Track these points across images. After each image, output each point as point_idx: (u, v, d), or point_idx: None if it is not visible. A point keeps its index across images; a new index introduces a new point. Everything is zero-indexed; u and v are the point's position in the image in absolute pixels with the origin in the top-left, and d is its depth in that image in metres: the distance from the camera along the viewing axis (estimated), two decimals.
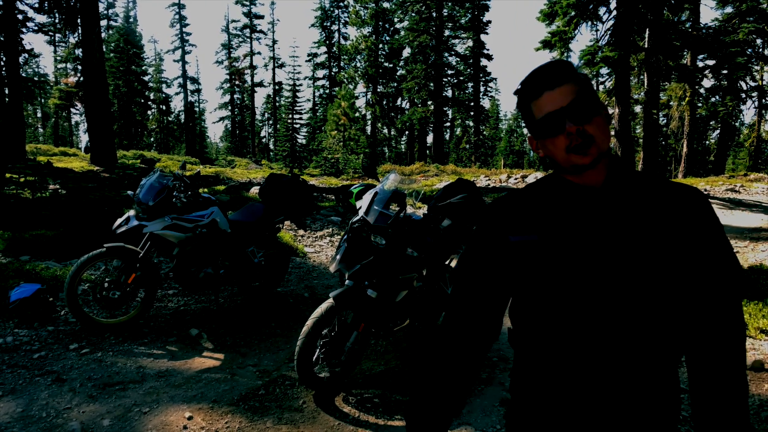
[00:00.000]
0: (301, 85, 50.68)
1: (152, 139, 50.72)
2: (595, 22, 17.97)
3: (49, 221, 7.09)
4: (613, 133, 17.68)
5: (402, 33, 39.36)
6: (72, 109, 42.66)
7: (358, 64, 39.81)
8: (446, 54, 39.67)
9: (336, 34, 49.86)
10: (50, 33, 18.88)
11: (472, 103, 42.04)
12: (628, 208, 1.15)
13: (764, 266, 6.32)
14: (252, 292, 5.38)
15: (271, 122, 55.86)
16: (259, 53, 53.36)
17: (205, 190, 11.42)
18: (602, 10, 17.57)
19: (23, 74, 16.41)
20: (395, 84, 40.83)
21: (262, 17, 51.90)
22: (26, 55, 16.46)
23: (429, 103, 38.89)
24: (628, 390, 1.14)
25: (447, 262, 4.44)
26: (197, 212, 4.69)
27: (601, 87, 29.99)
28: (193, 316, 4.89)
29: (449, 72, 41.13)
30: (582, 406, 1.17)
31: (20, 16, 15.30)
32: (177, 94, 52.16)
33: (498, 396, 3.52)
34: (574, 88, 1.13)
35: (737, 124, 34.00)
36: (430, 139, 43.24)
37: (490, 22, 40.78)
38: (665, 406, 1.17)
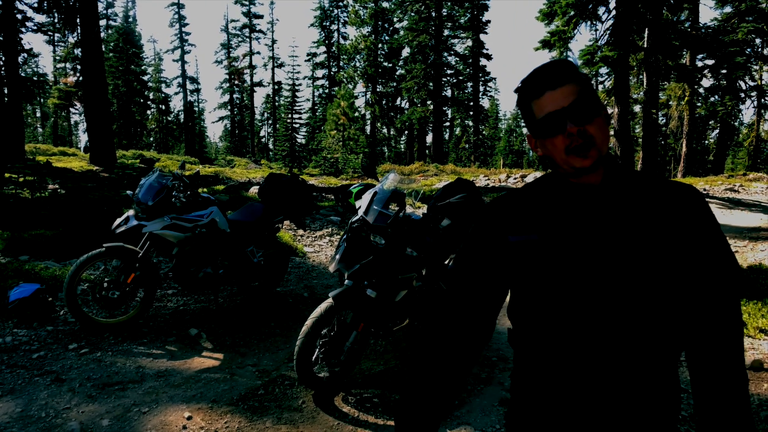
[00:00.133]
0: (300, 84, 50.62)
1: (151, 139, 50.70)
2: (594, 22, 17.98)
3: (48, 221, 7.09)
4: (612, 132, 17.68)
5: (401, 33, 39.35)
6: (71, 109, 42.65)
7: (358, 64, 39.81)
8: (445, 54, 39.68)
9: (335, 34, 49.89)
10: (49, 33, 18.89)
11: (471, 103, 42.06)
12: (626, 206, 1.15)
13: (763, 266, 6.33)
14: (251, 292, 5.38)
15: (270, 122, 55.87)
16: (258, 53, 53.50)
17: (205, 189, 11.41)
18: (601, 10, 17.58)
19: (22, 74, 16.39)
20: (394, 84, 40.83)
21: (261, 17, 51.91)
22: (25, 55, 16.45)
23: (428, 102, 38.88)
24: (627, 389, 1.14)
25: (446, 262, 4.45)
26: (196, 212, 4.69)
27: (600, 86, 29.99)
28: (192, 316, 4.89)
29: (448, 72, 41.15)
30: (581, 406, 1.17)
31: (19, 16, 15.30)
32: (176, 93, 52.17)
33: (497, 396, 3.52)
34: (576, 89, 1.13)
35: (736, 123, 34.00)
36: (429, 138, 43.26)
37: (489, 21, 40.83)
38: (664, 405, 1.17)
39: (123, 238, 4.43)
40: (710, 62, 25.18)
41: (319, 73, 52.00)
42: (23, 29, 15.49)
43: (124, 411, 3.16)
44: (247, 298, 5.44)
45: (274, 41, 53.27)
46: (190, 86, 51.85)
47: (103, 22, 43.79)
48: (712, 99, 29.00)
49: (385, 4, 38.79)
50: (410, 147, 44.24)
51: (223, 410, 3.23)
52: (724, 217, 11.53)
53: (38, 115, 53.82)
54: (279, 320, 4.92)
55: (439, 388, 1.26)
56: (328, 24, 49.59)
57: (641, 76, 21.20)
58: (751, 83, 29.17)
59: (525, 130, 1.28)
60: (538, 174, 20.76)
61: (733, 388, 1.11)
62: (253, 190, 12.11)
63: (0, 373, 3.53)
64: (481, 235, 1.29)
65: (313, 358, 3.34)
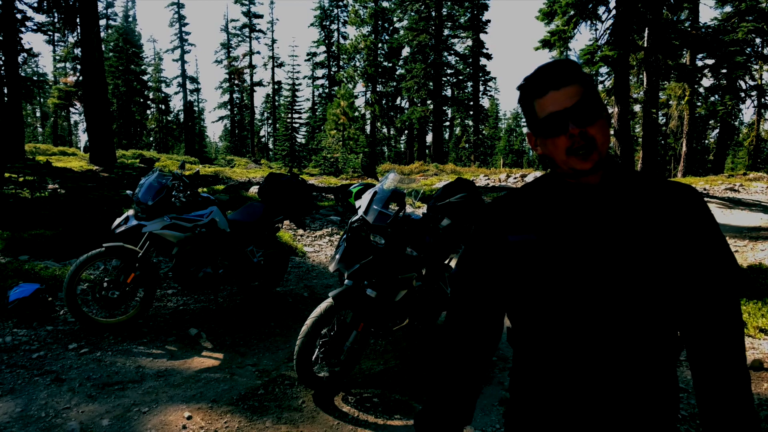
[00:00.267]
0: (300, 84, 50.62)
1: (151, 139, 50.68)
2: (594, 22, 17.99)
3: (48, 221, 7.08)
4: (612, 132, 17.69)
5: (401, 32, 39.35)
6: (71, 109, 42.65)
7: (358, 64, 39.81)
8: (445, 53, 39.67)
9: (335, 34, 49.88)
10: (49, 32, 18.89)
11: (471, 103, 42.06)
12: (624, 207, 1.15)
13: (763, 265, 6.33)
14: (251, 292, 5.38)
15: (270, 122, 55.86)
16: (258, 53, 53.49)
17: (204, 189, 11.41)
18: (601, 10, 17.59)
19: (22, 74, 16.38)
20: (394, 83, 40.84)
21: (261, 17, 51.90)
22: (25, 55, 16.44)
23: (428, 102, 38.88)
24: (625, 388, 1.14)
25: (446, 262, 4.44)
26: (196, 212, 4.69)
27: (600, 86, 29.96)
28: (192, 316, 4.89)
29: (448, 71, 41.15)
30: (580, 405, 1.17)
31: (19, 16, 15.30)
32: (176, 93, 52.14)
33: (497, 395, 3.52)
34: (580, 90, 1.13)
35: (736, 123, 33.97)
36: (429, 138, 43.26)
37: (489, 21, 40.85)
38: (662, 404, 1.17)
39: (123, 238, 4.43)
40: (710, 62, 25.21)
41: (319, 72, 52.07)
42: (23, 29, 15.50)
43: (124, 411, 3.16)
44: (247, 298, 5.43)
45: (274, 41, 53.32)
46: (189, 86, 51.86)
47: (102, 22, 43.77)
48: (712, 98, 28.99)
49: (385, 4, 38.81)
50: (410, 147, 44.24)
51: (223, 410, 3.23)
52: (724, 216, 11.53)
53: (38, 114, 53.82)
54: (279, 320, 4.92)
55: (457, 391, 1.27)
56: (328, 23, 49.59)
57: (641, 76, 21.20)
58: (751, 83, 29.18)
59: (525, 129, 1.28)
60: (538, 173, 20.76)
61: (735, 387, 1.11)
62: (253, 189, 12.11)
63: (0, 373, 3.53)
64: (482, 236, 1.30)
65: (313, 357, 3.34)
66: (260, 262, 5.21)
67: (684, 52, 24.45)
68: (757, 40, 27.68)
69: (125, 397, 3.34)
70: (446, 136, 46.81)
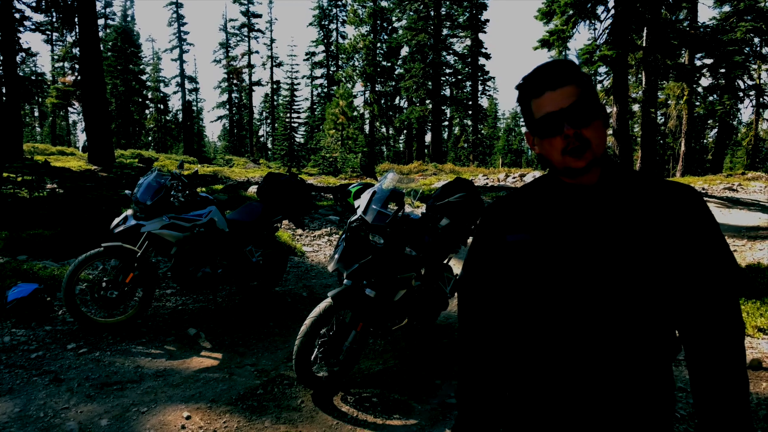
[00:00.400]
0: (299, 84, 50.64)
1: (150, 139, 50.66)
2: (593, 21, 18.00)
3: (46, 221, 7.08)
4: (611, 131, 17.71)
5: (400, 32, 39.35)
6: (69, 108, 42.58)
7: (356, 63, 39.82)
8: (444, 53, 39.68)
9: (334, 33, 49.87)
10: (47, 32, 18.86)
11: (470, 102, 42.08)
12: (620, 207, 1.15)
13: (762, 265, 6.33)
14: (250, 292, 5.38)
15: (269, 121, 55.83)
16: (257, 52, 53.46)
17: (203, 189, 11.40)
18: (600, 9, 17.60)
19: (20, 73, 16.38)
20: (393, 83, 40.85)
21: (260, 16, 51.89)
22: (23, 54, 16.44)
23: (427, 102, 38.89)
24: (620, 387, 1.14)
25: (445, 262, 4.45)
26: (195, 211, 4.68)
27: (599, 86, 29.97)
28: (191, 316, 4.89)
29: (447, 71, 41.16)
30: (576, 404, 1.17)
31: (17, 15, 15.28)
32: (175, 93, 52.22)
33: None
34: (577, 90, 1.13)
35: (735, 122, 34.05)
36: (428, 138, 43.28)
37: (488, 21, 40.87)
38: (659, 404, 1.17)
39: (121, 238, 4.42)
40: (709, 61, 25.20)
41: (318, 72, 52.05)
42: (21, 28, 15.48)
43: (123, 411, 3.16)
44: (246, 298, 5.43)
45: (272, 40, 53.28)
46: (188, 85, 51.92)
47: (101, 21, 43.73)
48: (710, 98, 29.00)
49: (384, 3, 38.81)
50: (409, 146, 44.25)
51: (222, 410, 3.22)
52: (723, 216, 11.54)
53: (36, 114, 53.69)
54: (278, 320, 4.92)
55: (484, 394, 1.28)
56: (326, 23, 49.57)
57: (640, 75, 21.21)
58: (750, 82, 29.20)
59: (524, 129, 1.28)
60: (537, 173, 20.77)
61: (732, 391, 1.10)
62: (252, 189, 12.10)
63: None
64: (483, 236, 1.32)
65: (312, 357, 3.34)
66: (259, 262, 5.20)
67: (683, 52, 24.46)
68: (756, 40, 27.71)
69: (124, 397, 3.33)
70: (445, 135, 46.82)
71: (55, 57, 44.08)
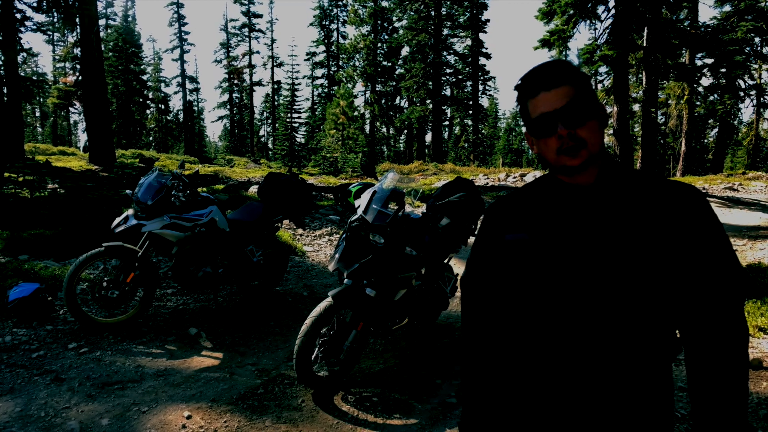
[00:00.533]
0: (299, 84, 50.55)
1: (151, 139, 50.66)
2: (593, 21, 18.00)
3: (47, 220, 7.08)
4: (611, 131, 17.70)
5: (401, 32, 39.35)
6: (71, 109, 42.64)
7: (357, 63, 39.81)
8: (445, 53, 39.66)
9: (335, 33, 49.83)
10: (49, 32, 18.88)
11: (470, 102, 42.05)
12: (618, 206, 1.15)
13: (763, 264, 6.33)
14: (251, 291, 5.38)
15: (269, 121, 55.82)
16: (257, 52, 53.41)
17: (204, 189, 11.41)
18: (601, 9, 17.59)
19: (22, 73, 16.39)
20: (394, 83, 40.83)
21: (260, 16, 51.86)
22: (25, 54, 16.46)
23: (428, 101, 38.87)
24: (620, 388, 1.14)
25: (446, 261, 4.45)
26: (196, 211, 4.69)
27: (599, 85, 29.97)
28: (191, 315, 4.89)
29: (448, 71, 41.14)
30: (574, 404, 1.17)
31: (19, 15, 15.26)
32: (176, 93, 52.15)
33: None
34: (571, 91, 1.13)
35: (736, 122, 34.01)
36: (428, 137, 43.26)
37: (488, 20, 40.82)
38: (658, 404, 1.16)
39: (122, 238, 4.43)
40: (709, 61, 25.20)
41: (319, 72, 52.02)
42: (22, 28, 15.45)
43: (124, 410, 3.16)
44: (247, 298, 5.44)
45: (273, 40, 53.22)
46: (189, 86, 51.86)
47: (102, 22, 43.75)
48: (711, 98, 28.99)
49: (385, 3, 38.80)
50: (409, 146, 44.24)
51: (223, 409, 3.23)
52: (724, 216, 11.54)
53: (37, 114, 53.76)
54: (278, 319, 4.93)
55: (487, 389, 1.30)
56: (327, 23, 49.54)
57: (640, 75, 21.20)
58: (751, 82, 29.19)
59: (524, 128, 1.29)
60: (538, 173, 20.77)
61: (730, 399, 1.09)
62: (253, 189, 12.10)
63: (0, 372, 3.54)
64: (484, 234, 1.33)
65: (313, 357, 3.34)
66: (260, 262, 5.21)
67: (683, 52, 24.44)
68: (756, 40, 27.68)
69: (125, 396, 3.34)
70: (445, 135, 46.80)
71: (57, 57, 44.14)
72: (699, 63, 25.94)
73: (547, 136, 1.15)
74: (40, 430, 2.91)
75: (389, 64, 40.45)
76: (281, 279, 5.69)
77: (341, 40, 48.46)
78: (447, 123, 47.19)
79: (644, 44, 18.67)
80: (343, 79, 39.51)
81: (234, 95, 52.88)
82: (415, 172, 27.26)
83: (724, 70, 25.15)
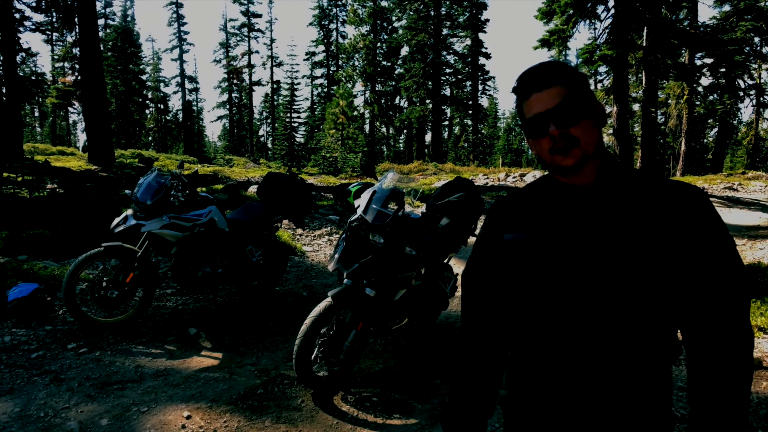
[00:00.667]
0: (299, 83, 50.57)
1: (150, 138, 50.64)
2: (593, 21, 18.01)
3: (46, 220, 7.08)
4: (611, 131, 17.71)
5: (400, 32, 39.34)
6: (70, 108, 42.58)
7: (357, 63, 39.81)
8: (444, 53, 39.68)
9: (334, 33, 49.83)
10: (48, 32, 18.86)
11: (470, 102, 42.07)
12: (617, 207, 1.14)
13: (762, 264, 6.34)
14: (250, 291, 5.38)
15: (269, 121, 55.82)
16: (257, 52, 53.40)
17: (203, 189, 11.40)
18: (600, 9, 17.59)
19: (20, 73, 16.38)
20: (393, 82, 40.83)
21: (260, 16, 51.87)
22: (23, 54, 16.43)
23: (427, 101, 38.88)
24: (618, 388, 1.13)
25: (445, 261, 4.45)
26: (195, 211, 4.68)
27: (599, 85, 30.02)
28: (191, 316, 4.89)
29: (447, 70, 41.15)
30: (573, 404, 1.17)
31: (17, 15, 15.26)
32: (175, 93, 52.22)
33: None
34: (562, 91, 1.13)
35: (735, 122, 34.01)
36: (428, 137, 43.28)
37: (488, 20, 40.84)
38: (656, 404, 1.16)
39: (122, 238, 4.43)
40: (709, 61, 25.20)
41: (318, 72, 52.03)
42: (21, 28, 15.46)
43: (123, 410, 3.16)
44: (246, 298, 5.43)
45: (272, 40, 53.25)
46: (188, 85, 51.92)
47: (101, 21, 43.72)
48: (711, 97, 29.00)
49: (384, 3, 38.79)
50: (409, 146, 44.24)
51: (222, 409, 3.22)
52: (723, 215, 11.51)
53: (36, 114, 53.70)
54: (278, 319, 4.92)
55: (474, 385, 1.33)
56: (326, 23, 49.53)
57: (640, 75, 21.21)
58: (750, 82, 29.20)
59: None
60: (537, 173, 20.79)
61: (733, 402, 1.08)
62: (252, 189, 12.10)
63: None
64: (484, 234, 1.33)
65: (312, 357, 3.34)
66: (259, 262, 5.20)
67: (683, 51, 24.44)
68: (756, 39, 27.70)
69: (124, 396, 3.34)
70: (445, 135, 46.82)
71: (55, 57, 44.06)
72: (698, 63, 25.95)
73: (540, 136, 1.15)
74: (39, 431, 2.90)
75: (389, 63, 40.45)
76: (281, 279, 5.69)
77: (341, 40, 48.46)
78: (447, 123, 47.23)
79: (644, 44, 18.68)
80: (343, 78, 39.51)
81: (233, 95, 52.89)
82: (415, 171, 27.26)
83: (723, 69, 25.15)
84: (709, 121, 34.02)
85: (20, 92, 15.43)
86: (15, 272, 5.02)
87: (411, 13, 38.16)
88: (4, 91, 14.75)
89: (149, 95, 49.29)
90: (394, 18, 39.68)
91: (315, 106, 52.28)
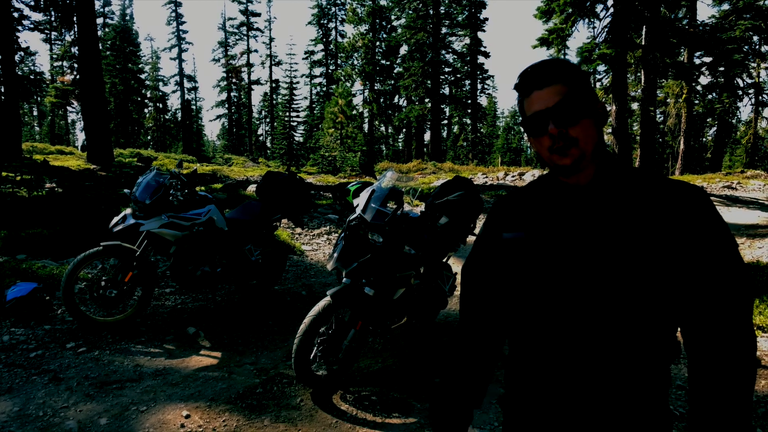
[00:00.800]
0: (298, 82, 50.66)
1: (149, 138, 50.62)
2: (592, 20, 17.99)
3: (45, 220, 7.07)
4: (610, 130, 17.71)
5: (399, 30, 39.31)
6: (68, 108, 42.55)
7: (355, 62, 39.81)
8: (443, 51, 39.64)
9: (333, 32, 49.76)
10: (46, 31, 18.81)
11: (469, 101, 42.04)
12: (616, 206, 1.13)
13: (761, 263, 6.34)
14: (249, 291, 5.38)
15: (268, 120, 55.80)
16: (255, 51, 53.24)
17: (202, 188, 11.39)
18: (599, 8, 17.57)
19: (19, 72, 16.36)
20: (392, 81, 40.82)
21: (258, 15, 51.79)
22: (22, 53, 16.40)
23: (426, 100, 38.87)
24: (614, 385, 1.13)
25: (444, 260, 4.45)
26: (194, 210, 4.68)
27: (598, 84, 30.00)
28: (190, 315, 4.89)
29: (446, 69, 41.12)
30: (570, 400, 1.17)
31: (16, 14, 15.23)
32: (174, 92, 52.18)
33: (496, 393, 3.52)
34: (563, 89, 1.12)
35: (734, 121, 33.98)
36: (427, 136, 43.29)
37: (487, 19, 40.75)
38: (655, 404, 1.15)
39: (120, 237, 4.43)
40: (708, 59, 25.18)
41: (317, 71, 51.97)
42: (20, 27, 15.42)
43: (122, 410, 3.16)
44: (245, 297, 5.43)
45: (271, 39, 53.21)
46: (187, 84, 51.85)
47: (99, 20, 43.65)
48: (709, 96, 28.98)
49: (383, 2, 38.79)
50: (408, 145, 44.24)
51: (222, 408, 3.22)
52: (722, 214, 11.51)
53: (35, 113, 53.65)
54: (277, 318, 4.92)
55: (467, 380, 1.34)
56: (325, 22, 49.47)
57: (639, 74, 21.23)
58: (749, 80, 29.17)
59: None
60: (537, 171, 20.80)
61: (735, 404, 1.06)
62: (251, 188, 12.09)
63: None
64: (484, 232, 1.34)
65: (311, 356, 3.34)
66: (258, 261, 5.20)
67: (682, 50, 24.44)
68: (755, 38, 27.65)
69: (123, 395, 3.33)
70: (444, 134, 46.84)
71: (54, 56, 43.99)
72: (697, 61, 25.94)
73: (539, 135, 1.15)
74: (38, 430, 2.90)
75: (388, 62, 40.44)
76: (280, 278, 5.69)
77: (339, 39, 48.41)
78: (446, 122, 47.24)
79: (643, 43, 18.67)
80: (342, 77, 39.51)
81: (232, 94, 52.84)
82: (414, 170, 27.26)
83: (722, 68, 25.13)
84: (707, 119, 34.03)
85: (19, 91, 15.40)
86: (14, 271, 5.02)
87: (410, 11, 38.13)
88: (2, 90, 14.73)
89: (148, 94, 49.24)
90: (393, 17, 39.68)
91: (314, 105, 52.25)
